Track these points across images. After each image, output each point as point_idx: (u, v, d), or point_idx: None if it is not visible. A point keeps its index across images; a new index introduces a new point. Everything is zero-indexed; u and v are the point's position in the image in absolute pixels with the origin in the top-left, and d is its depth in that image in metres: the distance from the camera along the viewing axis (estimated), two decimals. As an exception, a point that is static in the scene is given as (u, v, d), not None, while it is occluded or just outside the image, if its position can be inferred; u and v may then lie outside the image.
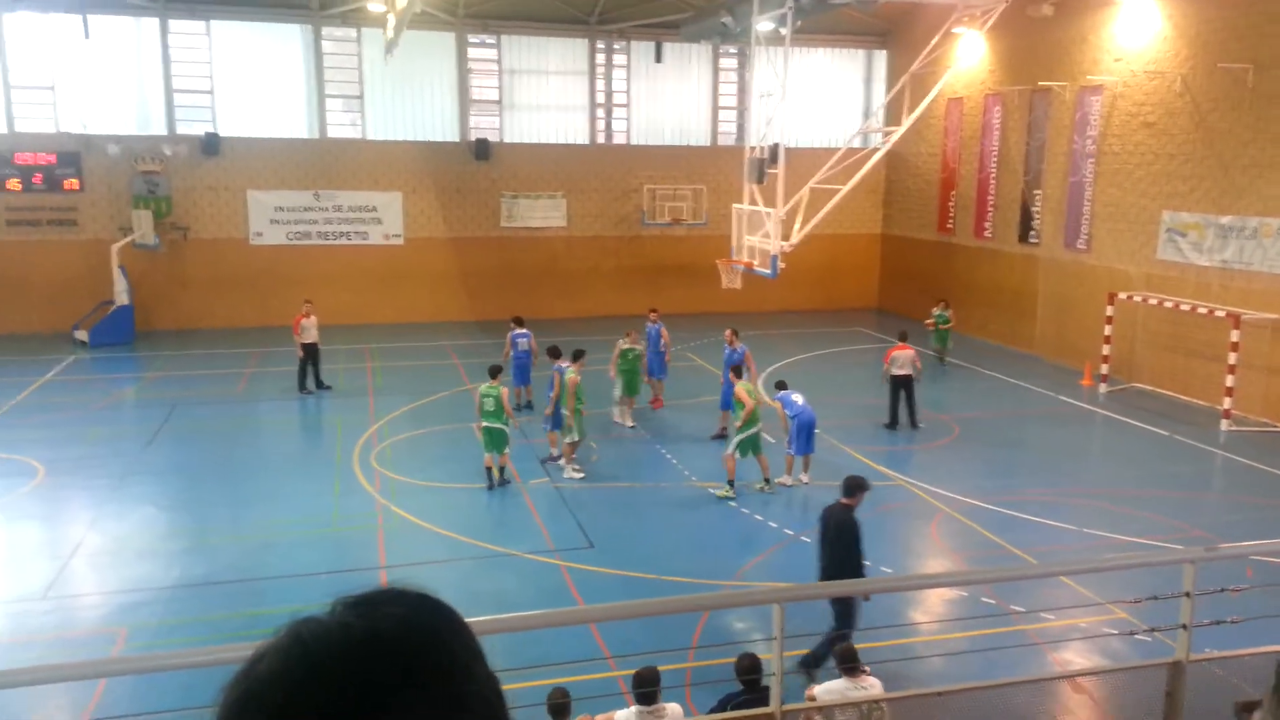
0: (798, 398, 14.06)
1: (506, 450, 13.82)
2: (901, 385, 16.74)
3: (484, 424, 13.69)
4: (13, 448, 15.35)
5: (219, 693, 0.77)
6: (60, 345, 22.99)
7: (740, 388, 13.78)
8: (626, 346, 16.85)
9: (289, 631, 0.77)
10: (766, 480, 13.75)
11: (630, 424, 16.89)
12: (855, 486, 9.20)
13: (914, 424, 16.82)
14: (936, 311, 22.09)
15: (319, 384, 19.16)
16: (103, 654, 9.17)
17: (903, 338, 17.12)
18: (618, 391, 16.95)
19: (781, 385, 14.64)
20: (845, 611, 8.69)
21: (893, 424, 16.87)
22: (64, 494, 13.73)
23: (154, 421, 17.17)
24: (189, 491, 13.83)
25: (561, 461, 14.59)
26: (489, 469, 13.80)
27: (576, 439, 14.35)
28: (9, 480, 13.98)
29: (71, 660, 8.90)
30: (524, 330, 17.78)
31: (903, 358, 16.70)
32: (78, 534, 12.27)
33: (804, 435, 13.81)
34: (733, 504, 13.33)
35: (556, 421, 14.83)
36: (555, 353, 15.32)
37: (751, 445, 13.56)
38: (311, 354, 18.93)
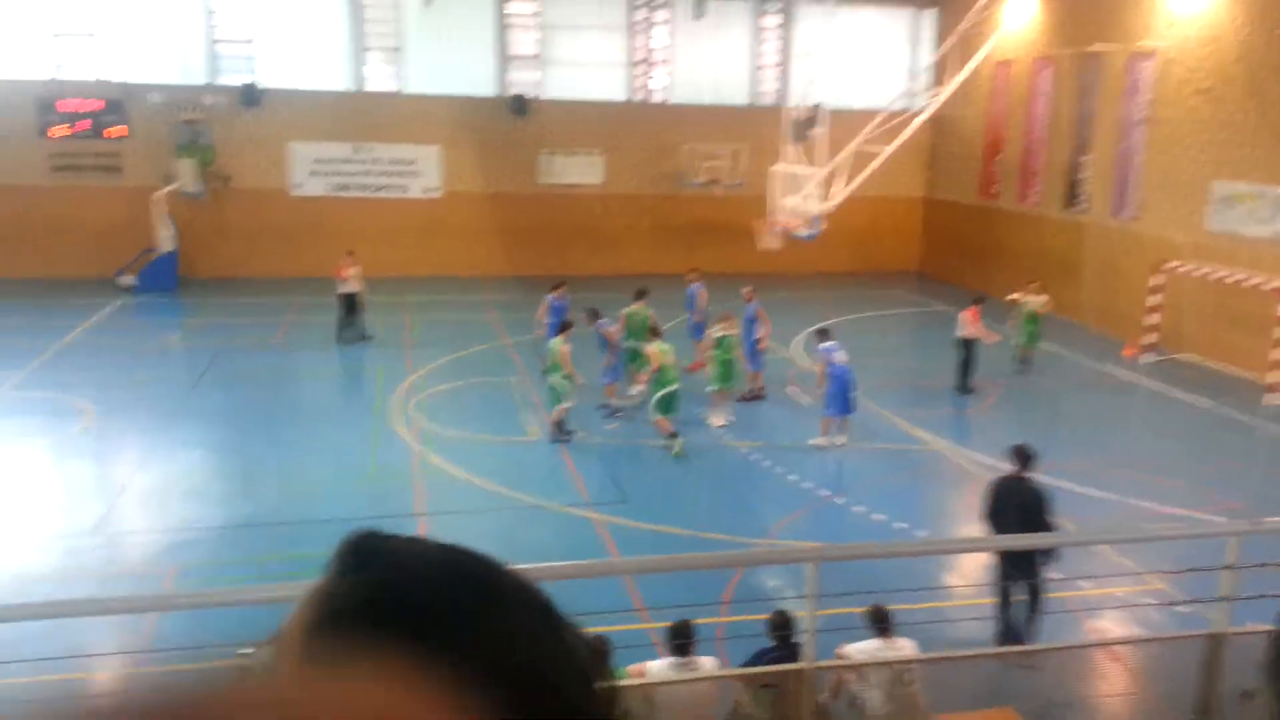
0: (842, 355, 13.91)
1: (558, 406, 13.86)
2: (959, 347, 16.72)
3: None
4: (63, 389, 15.69)
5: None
6: (105, 291, 23.34)
7: (652, 348, 13.73)
8: (722, 333, 14.80)
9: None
10: (674, 435, 13.57)
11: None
12: (1032, 456, 8.84)
13: (957, 386, 16.73)
14: (1022, 297, 18.16)
15: (359, 335, 19.34)
16: (153, 590, 9.43)
17: (975, 301, 16.97)
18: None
19: (824, 334, 14.36)
20: (1036, 587, 8.52)
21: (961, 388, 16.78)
22: (112, 435, 14.04)
23: (198, 367, 17.47)
24: (233, 435, 14.10)
25: (711, 416, 14.75)
26: (553, 423, 13.97)
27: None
28: (59, 420, 14.32)
29: (123, 594, 9.18)
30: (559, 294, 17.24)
31: (960, 319, 16.69)
32: (126, 474, 12.57)
33: (843, 395, 13.76)
34: (763, 460, 13.36)
35: (614, 374, 14.96)
36: (595, 314, 15.35)
37: (669, 404, 13.62)
38: (352, 305, 19.11)
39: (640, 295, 16.06)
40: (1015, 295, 18.25)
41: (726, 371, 14.78)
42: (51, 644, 7.46)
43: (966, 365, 16.62)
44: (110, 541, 10.62)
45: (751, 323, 16.11)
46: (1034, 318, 17.88)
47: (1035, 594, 8.45)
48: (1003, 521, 8.60)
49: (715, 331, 14.98)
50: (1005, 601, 8.55)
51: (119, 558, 10.30)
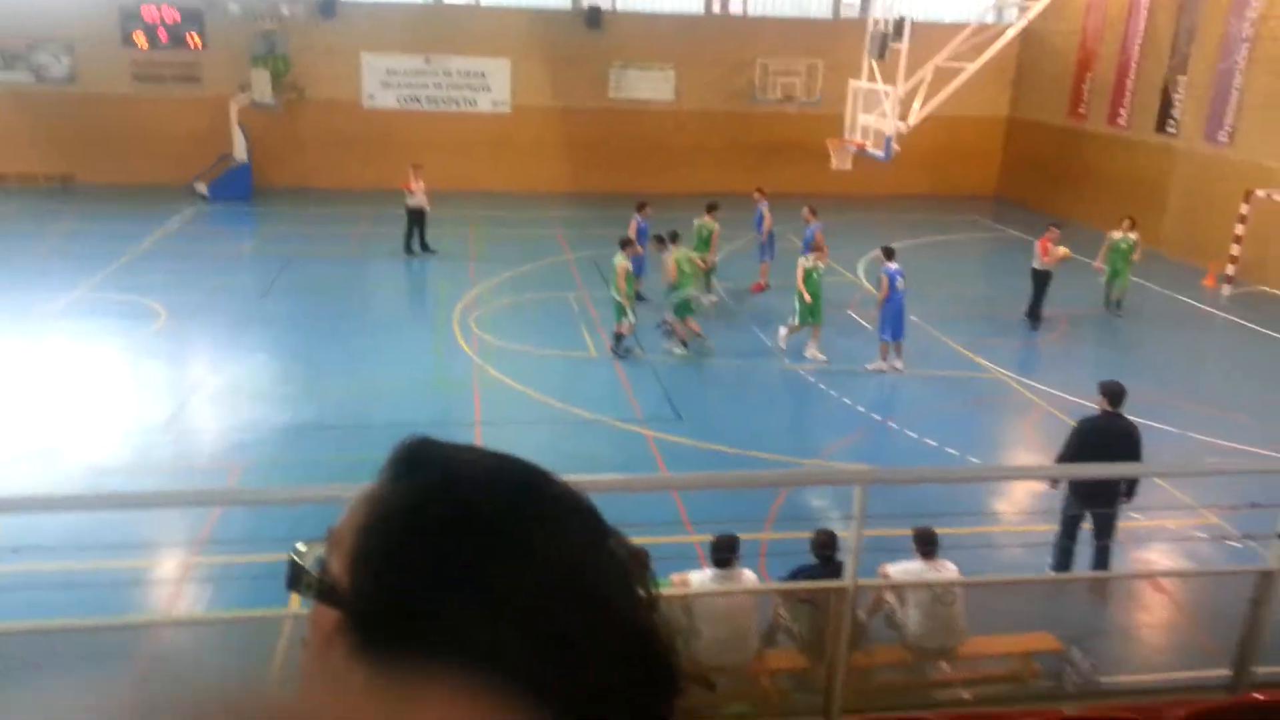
0: (902, 282, 13.68)
1: (621, 321, 14.01)
2: (1032, 277, 16.00)
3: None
4: (139, 291, 16.25)
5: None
6: (181, 197, 23.93)
7: (670, 257, 14.04)
8: (811, 265, 14.15)
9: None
10: (684, 344, 14.26)
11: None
12: (1122, 393, 8.59)
13: (1026, 315, 16.20)
14: (1117, 235, 16.62)
15: (425, 247, 19.55)
16: (219, 485, 9.85)
17: (1050, 227, 16.10)
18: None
19: (890, 254, 14.02)
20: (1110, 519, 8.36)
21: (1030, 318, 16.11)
22: (185, 337, 14.54)
23: (269, 274, 17.90)
24: (301, 341, 14.48)
25: (807, 351, 14.15)
26: (616, 334, 14.18)
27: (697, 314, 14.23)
28: (135, 322, 14.86)
29: (191, 489, 9.61)
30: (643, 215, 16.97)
31: (1035, 249, 16.02)
32: (198, 374, 13.05)
33: (899, 319, 13.57)
34: (818, 383, 13.28)
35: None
36: (663, 241, 14.91)
37: (685, 308, 14.05)
38: (418, 217, 19.29)
39: (711, 209, 16.58)
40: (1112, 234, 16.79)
41: (815, 307, 13.95)
42: (122, 532, 7.89)
43: (1037, 296, 16.01)
44: (180, 438, 11.09)
45: (809, 242, 15.92)
46: (1124, 256, 16.47)
47: (1109, 525, 8.31)
48: (1089, 459, 8.33)
49: (806, 262, 14.11)
50: (1070, 532, 8.44)
51: (188, 454, 10.76)
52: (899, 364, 13.77)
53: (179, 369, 13.43)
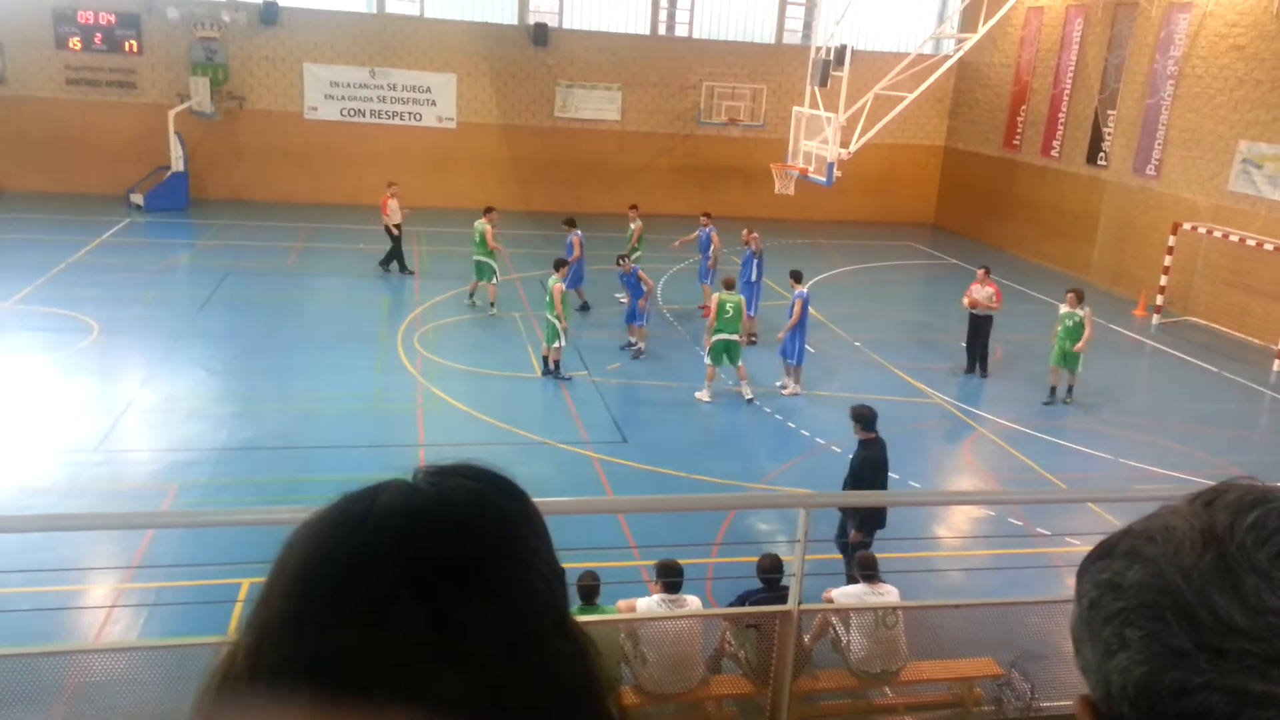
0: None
1: (552, 344, 13.95)
2: (969, 323, 15.36)
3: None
4: (70, 305, 15.78)
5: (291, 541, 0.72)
6: (116, 207, 23.33)
7: (557, 284, 13.76)
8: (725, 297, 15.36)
9: (364, 492, 0.74)
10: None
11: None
12: (875, 417, 8.96)
13: (967, 368, 15.48)
14: (1064, 309, 14.03)
15: (402, 267, 19.34)
16: (152, 507, 9.59)
17: (981, 270, 15.69)
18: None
19: (798, 276, 14.21)
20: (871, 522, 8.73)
21: (969, 368, 15.42)
22: (118, 352, 14.15)
23: (206, 288, 17.51)
24: (238, 358, 14.19)
25: (702, 393, 13.64)
26: (544, 357, 14.09)
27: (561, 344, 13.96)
28: (66, 336, 14.42)
29: (123, 510, 9.34)
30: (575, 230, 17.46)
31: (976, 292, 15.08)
32: (130, 391, 12.69)
33: (803, 343, 13.85)
34: (763, 408, 13.40)
35: (643, 317, 15.23)
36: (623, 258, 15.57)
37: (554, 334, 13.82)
38: (399, 233, 19.18)
39: (633, 208, 18.59)
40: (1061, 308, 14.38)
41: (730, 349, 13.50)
42: (52, 555, 7.62)
43: (971, 339, 15.26)
44: (112, 458, 10.78)
45: (749, 263, 16.26)
46: (1070, 334, 13.90)
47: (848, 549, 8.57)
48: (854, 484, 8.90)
49: (722, 295, 13.65)
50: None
51: (121, 474, 10.45)
52: (799, 387, 13.96)
53: (112, 386, 13.04)
